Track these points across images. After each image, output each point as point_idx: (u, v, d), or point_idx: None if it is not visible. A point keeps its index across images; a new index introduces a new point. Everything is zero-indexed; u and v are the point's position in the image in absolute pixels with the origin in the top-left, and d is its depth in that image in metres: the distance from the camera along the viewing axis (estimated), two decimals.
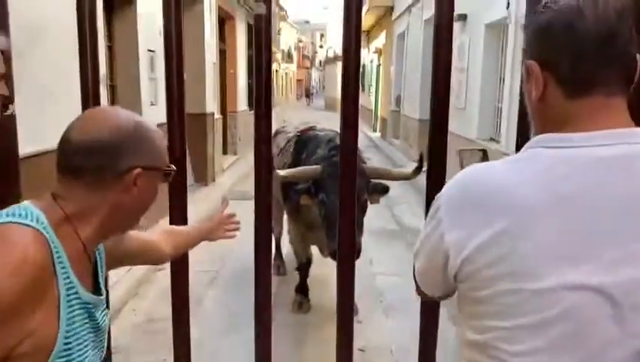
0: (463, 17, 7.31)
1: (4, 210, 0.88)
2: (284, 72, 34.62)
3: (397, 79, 13.16)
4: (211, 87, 7.75)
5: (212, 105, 7.82)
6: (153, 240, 1.32)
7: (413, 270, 0.98)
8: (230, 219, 1.60)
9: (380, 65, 17.14)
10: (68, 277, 0.88)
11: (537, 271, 0.74)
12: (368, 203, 3.23)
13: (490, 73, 6.64)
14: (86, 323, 0.92)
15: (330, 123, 4.35)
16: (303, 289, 3.87)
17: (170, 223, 1.78)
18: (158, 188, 1.00)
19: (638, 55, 0.80)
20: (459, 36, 7.55)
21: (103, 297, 1.00)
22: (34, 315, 0.81)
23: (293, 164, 3.48)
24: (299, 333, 3.49)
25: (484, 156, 1.32)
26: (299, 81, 45.62)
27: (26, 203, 0.90)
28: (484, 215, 0.78)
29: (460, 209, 0.82)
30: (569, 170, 0.76)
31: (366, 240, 4.02)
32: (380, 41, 16.41)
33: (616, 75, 0.78)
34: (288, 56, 36.09)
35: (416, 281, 0.99)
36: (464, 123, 6.96)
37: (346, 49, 1.62)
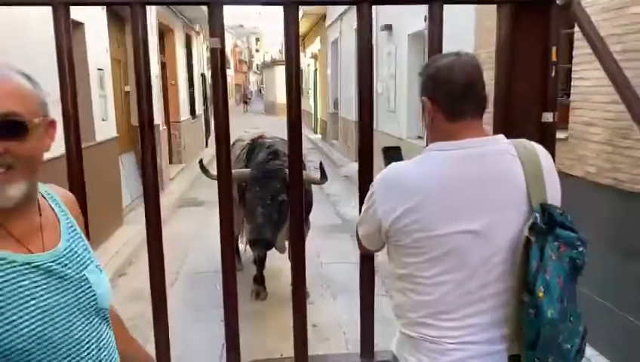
0: (389, 27, 7.97)
1: None
2: None
3: (333, 83, 13.78)
4: (155, 100, 7.99)
5: (157, 117, 8.08)
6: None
7: (358, 234, 1.46)
8: None
9: (316, 69, 17.75)
10: None
11: (438, 225, 1.21)
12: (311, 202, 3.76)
13: (414, 78, 7.33)
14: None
15: (270, 128, 4.74)
16: (260, 279, 4.35)
17: (146, 216, 1.95)
18: None
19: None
20: (386, 44, 8.23)
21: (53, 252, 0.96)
22: None
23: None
24: (259, 318, 3.96)
25: (399, 151, 1.75)
26: (237, 85, 45.53)
27: None
28: (401, 196, 1.24)
29: (386, 192, 1.28)
30: (453, 164, 1.27)
31: (313, 236, 4.58)
32: (315, 46, 17.01)
33: (475, 107, 1.31)
34: None
35: (359, 241, 1.45)
36: (395, 124, 7.64)
37: (288, 74, 1.96)
